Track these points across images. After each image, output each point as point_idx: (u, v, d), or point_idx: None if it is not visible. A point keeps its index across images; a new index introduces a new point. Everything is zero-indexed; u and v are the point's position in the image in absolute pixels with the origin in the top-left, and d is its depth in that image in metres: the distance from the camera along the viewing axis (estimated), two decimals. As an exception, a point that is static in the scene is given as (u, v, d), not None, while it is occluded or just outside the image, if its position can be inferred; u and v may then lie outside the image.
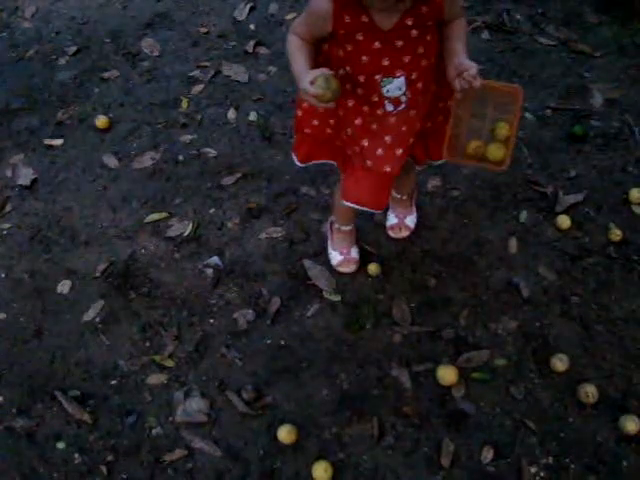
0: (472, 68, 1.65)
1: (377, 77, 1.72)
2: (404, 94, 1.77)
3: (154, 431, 2.04)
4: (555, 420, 2.02)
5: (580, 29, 3.35)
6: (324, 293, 2.28)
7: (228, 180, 2.68)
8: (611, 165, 2.69)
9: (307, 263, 2.36)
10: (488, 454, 1.95)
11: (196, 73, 3.19)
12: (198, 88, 3.12)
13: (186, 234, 2.51)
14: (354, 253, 2.33)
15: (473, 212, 2.52)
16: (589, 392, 2.03)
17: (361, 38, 1.66)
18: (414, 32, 1.66)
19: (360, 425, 2.01)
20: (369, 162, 1.91)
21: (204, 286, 2.35)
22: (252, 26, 3.46)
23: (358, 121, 1.85)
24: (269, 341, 2.20)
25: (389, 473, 1.93)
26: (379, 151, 1.89)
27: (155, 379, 2.14)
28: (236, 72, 3.17)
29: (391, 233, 2.42)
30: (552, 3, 3.51)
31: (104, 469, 1.97)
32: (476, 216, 2.51)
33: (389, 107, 1.81)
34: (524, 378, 2.09)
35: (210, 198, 2.63)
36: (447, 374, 2.05)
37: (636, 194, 2.55)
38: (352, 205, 2.03)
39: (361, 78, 1.74)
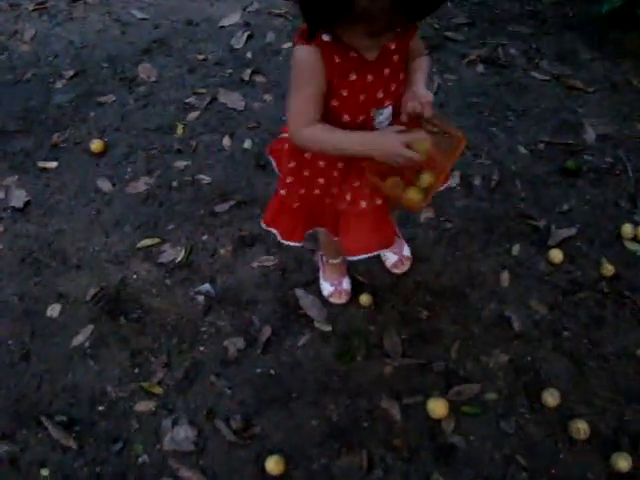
0: (429, 96, 1.63)
1: (371, 112, 1.68)
2: (390, 124, 1.74)
3: (140, 459, 2.01)
4: (546, 456, 2.00)
5: (573, 65, 3.39)
6: (315, 323, 2.27)
7: (221, 207, 2.68)
8: (604, 200, 2.71)
9: (299, 292, 2.35)
10: (477, 489, 1.93)
11: (192, 100, 3.21)
12: (194, 115, 3.13)
13: (178, 260, 2.50)
14: (345, 284, 2.32)
15: (466, 244, 2.52)
16: (580, 428, 2.02)
17: (354, 77, 1.58)
18: (396, 57, 1.63)
19: (349, 457, 1.99)
20: (363, 203, 1.83)
21: (195, 313, 2.34)
22: (249, 54, 3.48)
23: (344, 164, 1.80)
24: (259, 370, 2.18)
25: (377, 507, 1.91)
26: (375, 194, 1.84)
27: (143, 406, 2.12)
28: (232, 100, 3.19)
29: (396, 270, 2.41)
30: (546, 39, 3.57)
31: (88, 497, 1.94)
32: (469, 248, 2.51)
33: None
34: (515, 412, 2.08)
35: (203, 225, 2.63)
36: (437, 407, 2.04)
37: (628, 229, 2.56)
38: (364, 257, 1.92)
39: (359, 119, 1.67)
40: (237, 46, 3.53)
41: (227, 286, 2.41)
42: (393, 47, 1.60)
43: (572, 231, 2.57)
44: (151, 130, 3.06)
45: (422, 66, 1.72)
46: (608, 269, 2.43)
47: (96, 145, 2.93)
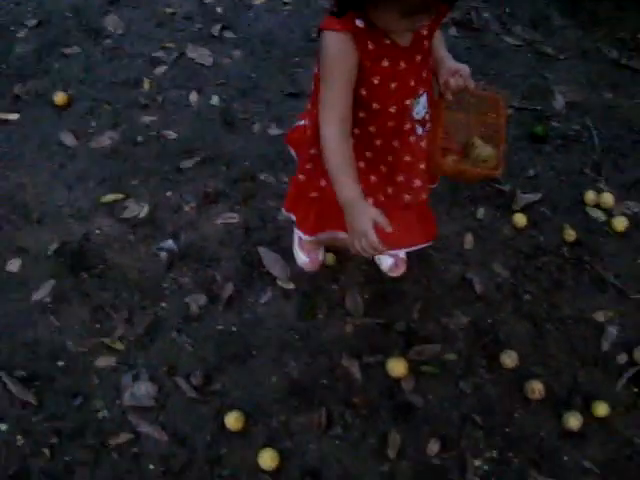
0: (466, 68, 1.59)
1: (407, 102, 1.58)
2: (427, 112, 1.66)
3: (100, 414, 2.00)
4: (501, 415, 2.05)
5: (546, 31, 3.39)
6: (278, 281, 2.27)
7: (187, 163, 2.65)
8: (569, 167, 2.73)
9: (262, 250, 2.34)
10: (434, 447, 1.96)
11: (160, 54, 3.15)
12: (161, 69, 3.07)
13: (141, 216, 2.47)
14: (320, 255, 2.29)
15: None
16: (535, 388, 2.06)
17: (387, 64, 1.48)
18: (426, 43, 1.55)
19: (308, 414, 2.01)
20: (407, 197, 1.75)
21: (157, 269, 2.32)
22: (219, 9, 3.41)
23: (390, 159, 1.70)
24: (220, 327, 2.18)
25: (335, 463, 1.93)
26: (417, 182, 1.75)
27: (103, 362, 2.11)
28: (200, 55, 3.13)
29: (393, 274, 2.28)
30: (520, 4, 3.55)
31: (47, 452, 1.92)
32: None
33: (419, 130, 1.68)
34: (473, 373, 2.11)
35: (168, 181, 2.60)
36: (397, 366, 2.06)
37: (591, 196, 2.59)
38: (408, 250, 1.89)
39: (392, 109, 1.57)
40: (207, 0, 3.46)
41: (190, 242, 2.39)
42: (425, 32, 1.53)
43: (536, 196, 2.59)
44: (117, 84, 3.00)
45: (442, 41, 1.68)
46: (570, 235, 2.46)
47: (60, 98, 2.87)
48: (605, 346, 2.23)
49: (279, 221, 2.42)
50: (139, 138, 2.76)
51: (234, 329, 2.17)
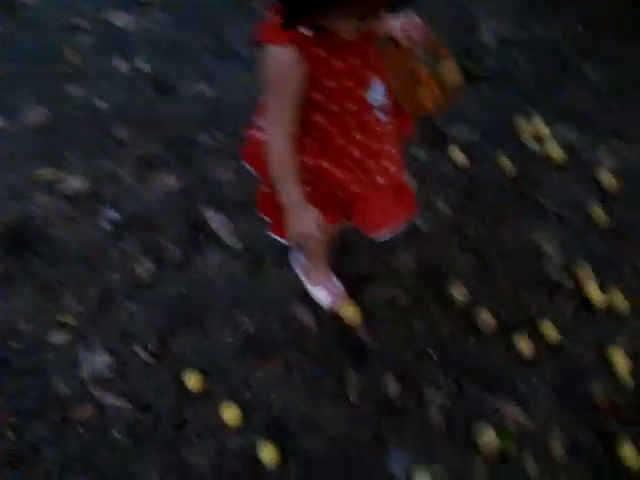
0: (418, 19, 1.52)
1: (363, 94, 1.50)
2: (387, 98, 1.58)
3: (60, 390, 2.00)
4: (455, 347, 2.11)
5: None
6: (225, 241, 2.27)
7: (121, 132, 2.61)
8: (503, 101, 2.78)
9: (207, 212, 2.33)
10: (392, 385, 2.02)
11: (80, 22, 3.05)
12: (84, 38, 2.99)
13: (80, 189, 2.43)
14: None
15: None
16: (486, 319, 2.12)
17: (342, 64, 1.40)
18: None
19: (267, 367, 2.04)
20: (381, 180, 1.68)
21: (102, 241, 2.30)
22: (138, -28, 3.33)
23: (357, 154, 1.61)
24: (171, 291, 2.18)
25: (297, 410, 1.97)
26: (392, 168, 1.70)
27: (58, 338, 2.09)
28: (123, 20, 3.06)
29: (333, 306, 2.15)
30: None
31: (10, 434, 1.91)
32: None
33: (382, 116, 1.60)
34: (424, 310, 2.16)
35: (103, 151, 2.55)
36: (349, 312, 2.09)
37: (527, 128, 2.64)
38: (387, 234, 1.77)
39: (353, 107, 1.50)
40: (125, -36, 3.36)
41: (133, 210, 2.37)
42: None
43: (474, 134, 2.63)
44: (39, 56, 2.91)
45: None
46: (509, 167, 2.50)
47: (-20, 74, 2.78)
48: (549, 270, 2.30)
49: (221, 180, 2.41)
50: (69, 110, 2.70)
51: (185, 292, 2.17)
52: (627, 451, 1.95)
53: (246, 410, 1.96)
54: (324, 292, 2.13)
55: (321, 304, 2.11)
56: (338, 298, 2.10)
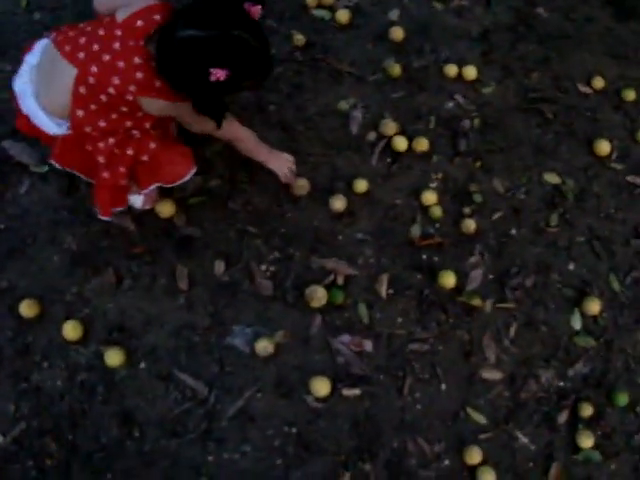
0: None
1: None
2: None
3: None
4: (274, 219, 2.21)
5: None
6: (31, 167, 2.24)
7: None
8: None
9: (6, 143, 2.27)
10: (220, 267, 2.11)
11: None
12: None
13: None
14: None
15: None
16: (300, 185, 2.22)
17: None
18: None
19: (98, 278, 2.09)
20: (152, 144, 1.92)
21: None
22: None
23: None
24: (-12, 230, 2.16)
25: (135, 312, 2.05)
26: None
27: None
28: None
29: (146, 206, 2.20)
30: None
31: None
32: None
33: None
34: (239, 191, 2.24)
35: None
36: (165, 207, 2.15)
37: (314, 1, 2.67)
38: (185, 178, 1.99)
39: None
40: None
41: None
42: None
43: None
44: None
45: None
46: (299, 39, 2.55)
47: None
48: (354, 130, 2.42)
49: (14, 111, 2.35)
50: None
51: (2, 226, 2.16)
52: (448, 278, 2.14)
53: (86, 323, 2.02)
54: (140, 197, 2.15)
55: (135, 206, 2.14)
56: (149, 197, 2.14)
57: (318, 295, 2.06)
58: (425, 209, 2.28)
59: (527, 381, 2.06)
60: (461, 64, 2.56)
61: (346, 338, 2.05)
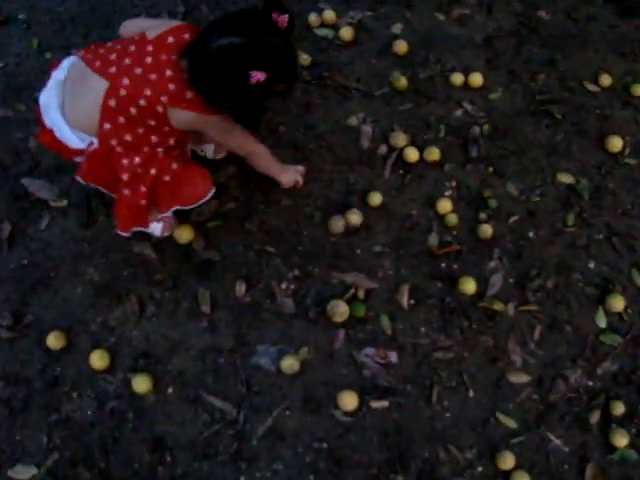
0: None
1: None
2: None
3: None
4: (291, 237, 2.23)
5: None
6: (50, 203, 2.29)
7: None
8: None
9: (25, 181, 2.33)
10: (241, 288, 2.13)
11: None
12: None
13: None
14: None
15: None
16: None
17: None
18: None
19: (121, 307, 2.11)
20: (175, 165, 1.96)
21: None
22: None
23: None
24: (12, 265, 2.19)
25: (160, 338, 2.07)
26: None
27: None
28: None
29: (165, 233, 2.21)
30: None
31: None
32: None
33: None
34: (254, 212, 2.26)
35: None
36: (184, 233, 2.17)
37: (315, 18, 2.71)
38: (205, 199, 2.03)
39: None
40: None
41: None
42: None
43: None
44: None
45: None
46: (305, 59, 2.59)
47: None
48: (365, 144, 2.44)
49: (31, 149, 2.40)
50: None
51: (26, 262, 2.20)
52: (468, 284, 2.13)
53: (112, 351, 2.04)
54: (158, 224, 2.17)
55: (155, 234, 2.16)
56: (168, 224, 2.16)
57: (340, 310, 2.07)
58: (441, 218, 2.28)
59: (555, 382, 2.04)
60: (467, 72, 2.58)
61: (370, 351, 2.06)
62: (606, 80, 2.59)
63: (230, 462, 1.91)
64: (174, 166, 1.93)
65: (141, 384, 1.98)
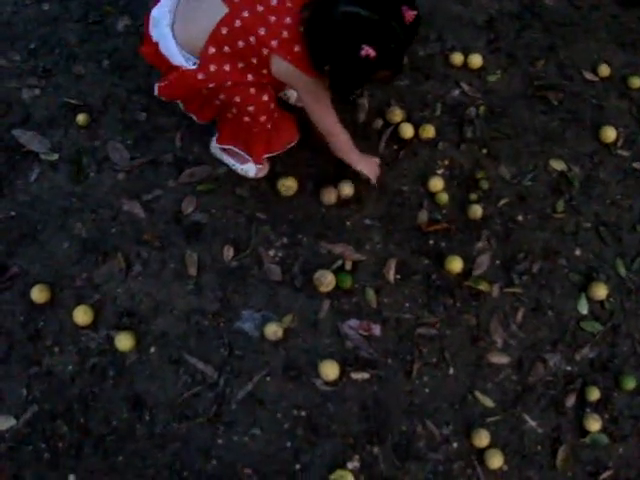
0: None
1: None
2: None
3: None
4: (282, 205, 2.22)
5: None
6: (41, 155, 2.26)
7: None
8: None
9: (16, 132, 2.30)
10: (229, 252, 2.13)
11: None
12: None
13: None
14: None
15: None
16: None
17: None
18: None
19: (107, 264, 2.11)
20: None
21: None
22: None
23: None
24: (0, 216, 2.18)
25: (145, 297, 2.07)
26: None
27: None
28: None
29: (260, 174, 2.29)
30: None
31: None
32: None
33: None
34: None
35: None
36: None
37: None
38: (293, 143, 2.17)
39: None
40: None
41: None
42: None
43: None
44: None
45: None
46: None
47: None
48: (361, 117, 2.43)
49: (24, 100, 2.37)
50: None
51: (13, 214, 2.18)
52: (454, 263, 2.15)
53: (96, 308, 2.04)
54: (252, 165, 2.21)
55: (249, 175, 2.24)
56: (265, 167, 2.24)
57: (326, 280, 2.07)
58: (432, 195, 2.29)
59: (534, 365, 2.07)
60: (467, 52, 2.57)
61: (354, 322, 2.07)
62: (605, 70, 2.59)
63: (208, 424, 1.92)
64: (272, 105, 1.97)
65: (124, 342, 1.98)
